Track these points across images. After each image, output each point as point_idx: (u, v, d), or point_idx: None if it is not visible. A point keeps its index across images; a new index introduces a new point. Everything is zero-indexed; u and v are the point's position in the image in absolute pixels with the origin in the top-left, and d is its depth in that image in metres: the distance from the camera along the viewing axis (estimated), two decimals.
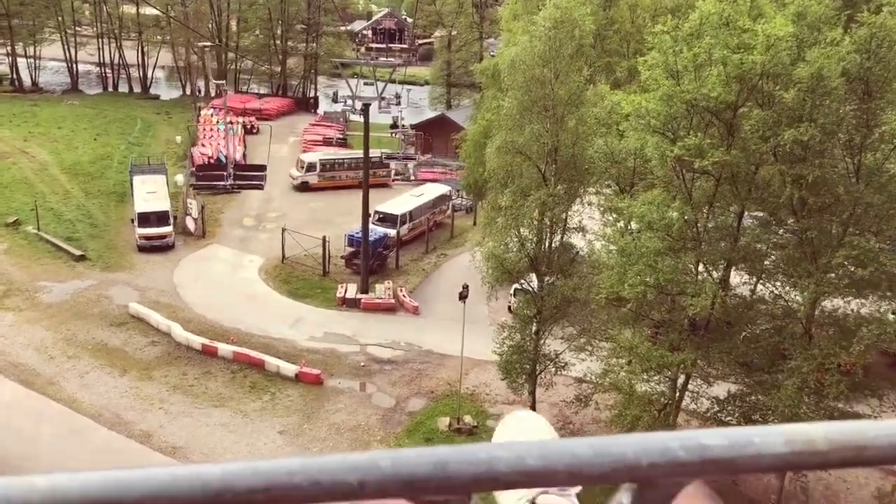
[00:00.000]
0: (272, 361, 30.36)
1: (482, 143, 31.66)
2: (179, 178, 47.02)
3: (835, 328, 20.83)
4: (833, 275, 20.31)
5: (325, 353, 31.91)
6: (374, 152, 50.47)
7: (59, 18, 73.10)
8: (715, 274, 22.09)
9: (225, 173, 45.83)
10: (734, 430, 0.63)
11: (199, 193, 42.79)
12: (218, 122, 50.86)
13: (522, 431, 1.56)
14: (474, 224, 43.43)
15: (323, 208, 45.30)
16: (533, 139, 24.41)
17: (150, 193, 41.34)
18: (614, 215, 24.27)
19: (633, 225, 23.36)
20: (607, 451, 0.59)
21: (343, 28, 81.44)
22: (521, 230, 25.59)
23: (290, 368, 29.98)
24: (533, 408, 27.17)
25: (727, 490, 22.81)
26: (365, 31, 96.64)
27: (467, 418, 27.98)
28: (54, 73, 76.61)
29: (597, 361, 24.75)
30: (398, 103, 44.18)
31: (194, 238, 41.45)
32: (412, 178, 51.99)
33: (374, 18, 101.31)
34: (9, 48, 70.57)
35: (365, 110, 35.65)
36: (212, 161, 49.05)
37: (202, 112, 58.75)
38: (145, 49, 73.78)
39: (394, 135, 57.80)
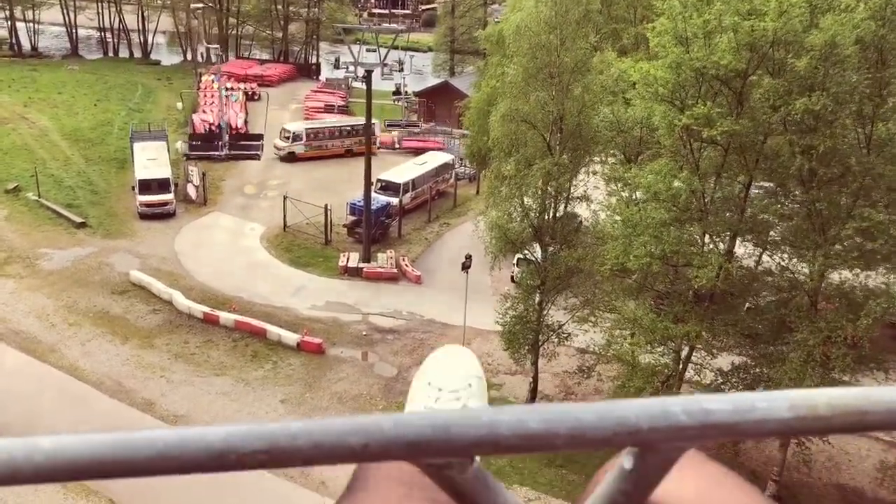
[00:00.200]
0: (274, 330, 30.27)
1: (486, 111, 31.22)
2: (180, 145, 46.68)
3: (842, 301, 20.61)
4: (841, 247, 20.06)
5: (326, 322, 31.81)
6: (361, 120, 49.71)
7: None
8: (721, 245, 21.85)
9: (220, 142, 45.31)
10: (737, 395, 0.61)
11: (196, 163, 42.47)
12: (219, 88, 50.26)
13: (448, 364, 1.63)
14: (477, 193, 43.10)
15: (325, 176, 44.93)
16: (538, 107, 24.03)
17: (151, 160, 40.99)
18: (619, 185, 23.98)
19: (639, 195, 23.08)
20: (609, 414, 0.59)
21: None
22: (525, 200, 25.32)
23: (291, 337, 29.90)
24: (535, 378, 27.13)
25: (728, 462, 22.77)
26: None
27: None
28: (54, 38, 75.79)
29: (600, 332, 24.63)
30: (401, 70, 43.56)
31: (195, 205, 41.19)
32: (396, 146, 50.69)
33: None
34: (8, 12, 69.73)
35: (368, 77, 35.16)
36: (213, 128, 48.63)
37: (203, 78, 58.12)
38: (145, 14, 72.87)
39: (397, 102, 57.21)
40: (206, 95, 55.02)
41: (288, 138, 47.65)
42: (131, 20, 72.88)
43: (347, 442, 0.57)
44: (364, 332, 31.31)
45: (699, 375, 23.45)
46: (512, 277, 31.45)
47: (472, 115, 37.60)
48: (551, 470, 23.99)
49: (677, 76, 20.35)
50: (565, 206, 25.86)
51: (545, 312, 25.98)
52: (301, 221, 38.34)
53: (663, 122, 21.05)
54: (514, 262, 30.66)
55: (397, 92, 57.09)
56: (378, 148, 49.56)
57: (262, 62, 70.02)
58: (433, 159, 45.04)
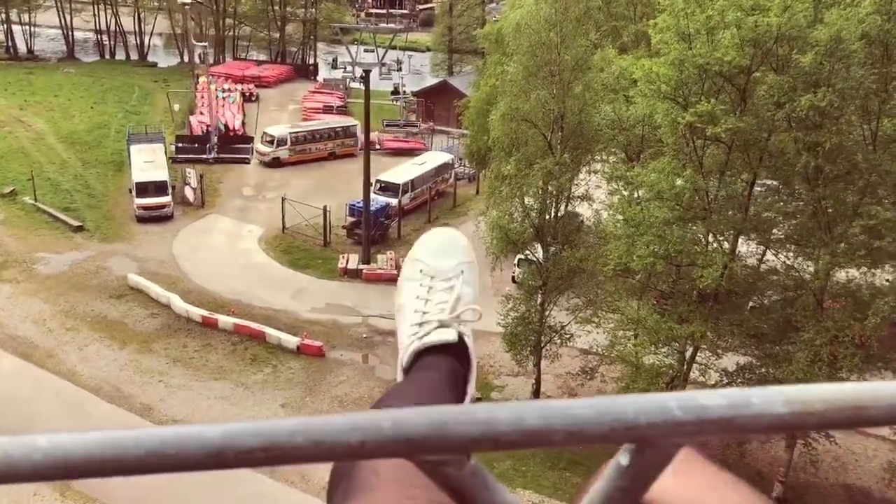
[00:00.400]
0: (273, 333, 29.98)
1: (485, 111, 30.95)
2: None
3: (848, 300, 20.36)
4: (847, 245, 19.82)
5: (326, 324, 31.54)
6: (343, 122, 49.32)
7: None
8: (725, 244, 21.61)
9: (208, 145, 44.80)
10: (733, 391, 0.62)
11: (193, 165, 42.12)
12: (215, 89, 49.92)
13: (440, 249, 1.69)
14: (477, 193, 42.83)
15: (323, 178, 44.64)
16: (538, 106, 23.77)
17: (148, 163, 40.63)
18: (621, 183, 23.72)
19: (641, 193, 22.83)
20: (607, 410, 0.59)
21: None
22: (526, 199, 25.08)
23: (291, 340, 29.60)
24: (538, 380, 26.88)
25: (734, 463, 22.54)
26: None
27: None
28: (50, 41, 75.47)
29: (603, 333, 24.37)
30: (399, 70, 43.26)
31: (193, 208, 40.87)
32: (377, 147, 47.53)
33: None
34: (3, 15, 69.43)
35: (366, 77, 34.89)
36: (209, 130, 48.29)
37: (200, 80, 57.79)
38: (142, 15, 72.58)
39: (395, 102, 56.93)
40: (202, 97, 54.72)
41: (271, 142, 46.20)
42: (128, 22, 72.57)
43: (345, 439, 0.57)
44: (364, 335, 31.04)
45: (704, 376, 23.18)
46: (513, 278, 31.18)
47: (472, 115, 37.30)
48: (555, 473, 23.74)
49: (680, 73, 20.11)
50: (566, 206, 25.63)
51: (547, 313, 25.73)
52: (300, 223, 38.05)
53: (666, 120, 20.79)
54: (516, 262, 30.39)
55: (396, 92, 56.79)
56: (360, 149, 48.54)
57: (260, 63, 69.74)
58: (432, 159, 44.75)
